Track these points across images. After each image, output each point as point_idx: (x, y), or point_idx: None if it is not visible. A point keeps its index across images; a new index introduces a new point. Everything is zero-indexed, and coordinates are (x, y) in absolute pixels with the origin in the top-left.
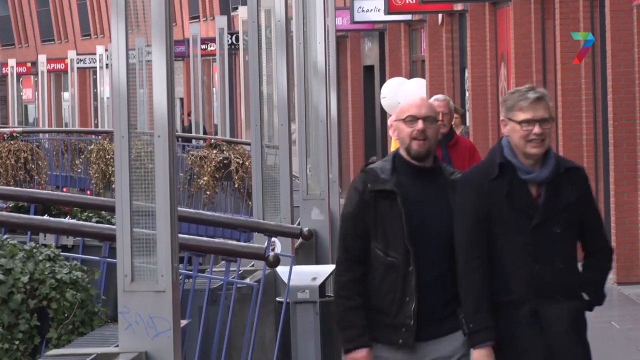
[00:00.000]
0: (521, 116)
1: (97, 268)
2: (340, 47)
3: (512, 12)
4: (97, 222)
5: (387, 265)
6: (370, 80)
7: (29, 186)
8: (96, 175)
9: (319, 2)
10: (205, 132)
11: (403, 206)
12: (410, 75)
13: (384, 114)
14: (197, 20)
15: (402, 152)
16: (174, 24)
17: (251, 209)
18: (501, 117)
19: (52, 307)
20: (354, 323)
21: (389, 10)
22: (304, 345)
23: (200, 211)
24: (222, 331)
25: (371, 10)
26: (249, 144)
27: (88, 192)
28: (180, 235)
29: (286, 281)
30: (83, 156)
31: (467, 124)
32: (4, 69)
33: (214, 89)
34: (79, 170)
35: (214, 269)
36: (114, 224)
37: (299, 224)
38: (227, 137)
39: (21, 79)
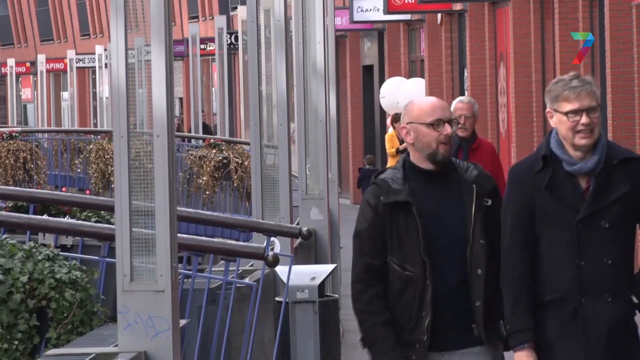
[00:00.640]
0: (567, 107)
1: (96, 268)
2: (340, 47)
3: (511, 11)
4: (96, 221)
5: (405, 279)
6: (370, 80)
7: (28, 186)
8: (95, 174)
9: (318, 2)
10: (207, 129)
11: (419, 217)
12: (409, 75)
13: (383, 114)
14: (196, 20)
15: (416, 158)
16: (173, 23)
17: (250, 208)
18: (547, 109)
19: (52, 306)
20: (386, 336)
21: (388, 10)
22: (303, 345)
23: (200, 211)
24: (221, 331)
25: (370, 10)
26: (248, 144)
27: (87, 191)
28: (179, 235)
29: (285, 281)
30: (82, 156)
31: None
32: (3, 68)
33: (213, 88)
34: (78, 170)
35: (213, 269)
36: (113, 224)
37: (298, 224)
38: (227, 137)
39: (20, 79)
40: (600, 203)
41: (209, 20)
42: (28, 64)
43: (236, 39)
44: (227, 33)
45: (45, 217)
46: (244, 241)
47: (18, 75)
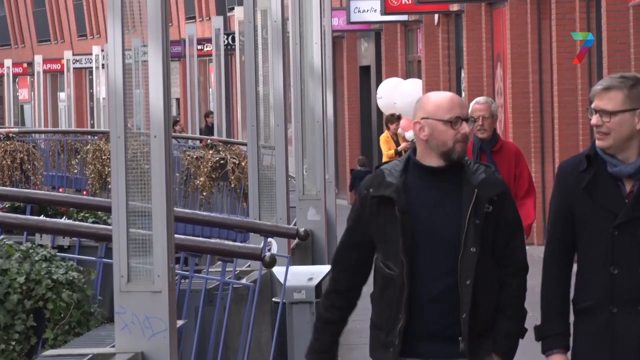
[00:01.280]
0: (594, 104)
1: (93, 268)
2: (337, 48)
3: (509, 12)
4: (93, 222)
5: (387, 278)
6: (367, 80)
7: (25, 186)
8: (92, 175)
9: (315, 2)
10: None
11: (401, 214)
12: (406, 76)
13: (380, 114)
14: (194, 20)
15: (424, 155)
16: (170, 24)
17: (247, 209)
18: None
19: (49, 307)
20: (318, 336)
21: (385, 11)
22: (300, 346)
23: (197, 211)
24: (218, 331)
25: (367, 10)
26: (245, 145)
27: (84, 192)
28: (176, 235)
29: (282, 281)
30: (79, 156)
31: None
32: (0, 69)
33: (210, 89)
34: (75, 171)
35: (210, 270)
36: (110, 225)
37: (295, 225)
38: (224, 138)
39: (17, 80)
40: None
41: (206, 20)
42: (25, 65)
43: (233, 39)
44: (224, 34)
45: (42, 217)
46: (241, 242)
47: (15, 75)
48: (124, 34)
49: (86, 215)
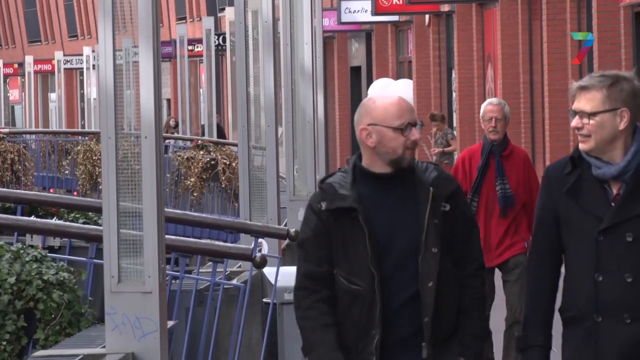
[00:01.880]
0: (573, 105)
1: (84, 269)
2: (328, 48)
3: (499, 13)
4: (84, 223)
5: (352, 294)
6: (357, 81)
7: (15, 187)
8: (83, 176)
9: (306, 3)
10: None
11: (366, 224)
12: (397, 76)
13: None
14: (184, 21)
15: (371, 162)
16: (161, 25)
17: (238, 210)
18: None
19: (39, 308)
20: (323, 340)
21: (375, 11)
22: (290, 346)
23: (187, 212)
24: (209, 332)
25: (358, 11)
26: (236, 145)
27: (75, 193)
28: (167, 236)
29: (273, 282)
30: (70, 157)
31: (455, 125)
32: None
33: (201, 90)
34: (66, 171)
35: (200, 270)
36: (101, 225)
37: (285, 225)
38: (214, 138)
39: (8, 80)
40: (627, 213)
41: (197, 21)
42: (16, 65)
43: (224, 40)
44: (215, 34)
45: (33, 218)
46: (231, 242)
47: (6, 76)
48: (115, 34)
49: (77, 215)
